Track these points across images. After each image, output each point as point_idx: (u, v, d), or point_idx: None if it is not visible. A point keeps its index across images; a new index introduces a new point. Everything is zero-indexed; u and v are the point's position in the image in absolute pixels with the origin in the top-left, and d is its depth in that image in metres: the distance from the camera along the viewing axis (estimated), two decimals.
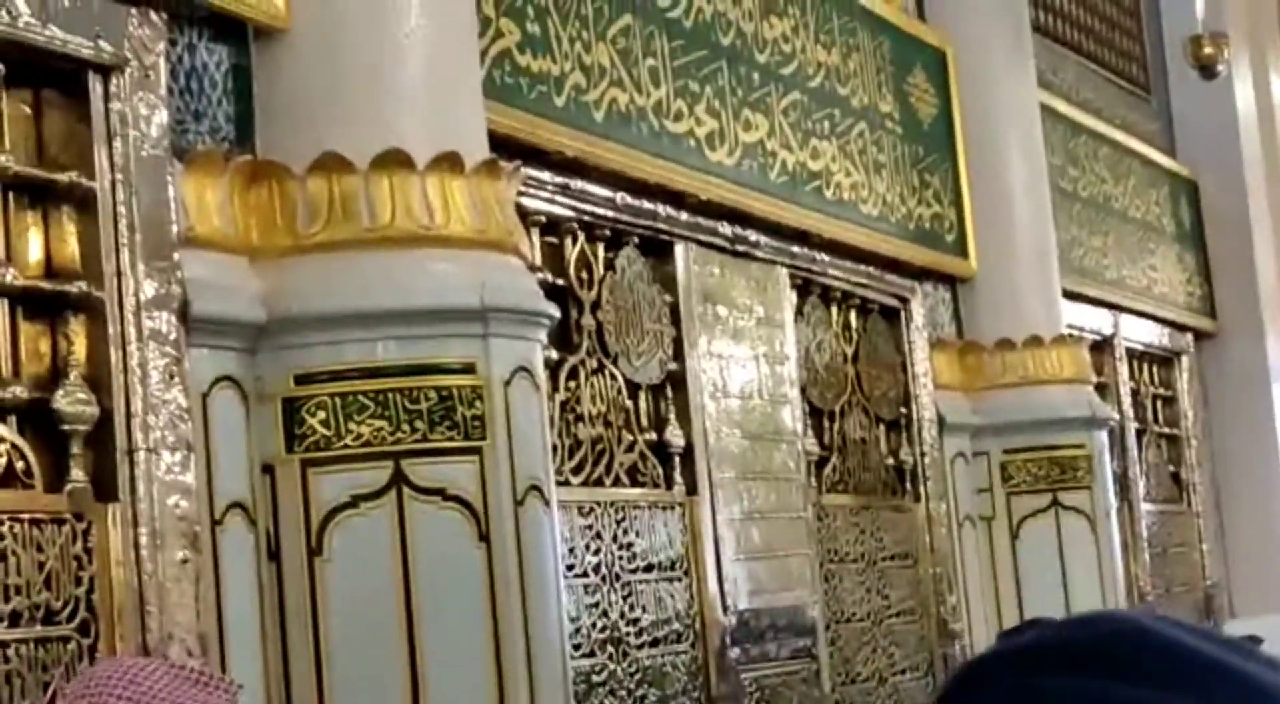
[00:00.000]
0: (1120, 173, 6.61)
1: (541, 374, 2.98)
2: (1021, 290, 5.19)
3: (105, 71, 2.56)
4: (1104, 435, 5.29)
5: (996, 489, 5.06)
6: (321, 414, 2.71)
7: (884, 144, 4.94)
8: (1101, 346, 6.08)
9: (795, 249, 4.46)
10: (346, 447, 2.71)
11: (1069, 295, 5.59)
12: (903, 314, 4.98)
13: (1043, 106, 5.58)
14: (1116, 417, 5.79)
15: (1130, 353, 6.44)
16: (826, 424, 4.59)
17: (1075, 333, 5.48)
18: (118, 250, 2.56)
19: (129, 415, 2.51)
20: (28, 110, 2.58)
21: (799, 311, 4.46)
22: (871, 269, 4.84)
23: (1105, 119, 6.60)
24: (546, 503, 2.84)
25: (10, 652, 2.28)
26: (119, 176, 2.56)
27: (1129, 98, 7.14)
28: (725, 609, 3.84)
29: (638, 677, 3.55)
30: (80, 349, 2.54)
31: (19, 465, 2.41)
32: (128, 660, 2.37)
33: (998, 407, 5.08)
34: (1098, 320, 6.11)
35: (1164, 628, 0.62)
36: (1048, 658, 0.62)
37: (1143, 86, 7.34)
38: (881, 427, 4.87)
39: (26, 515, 2.40)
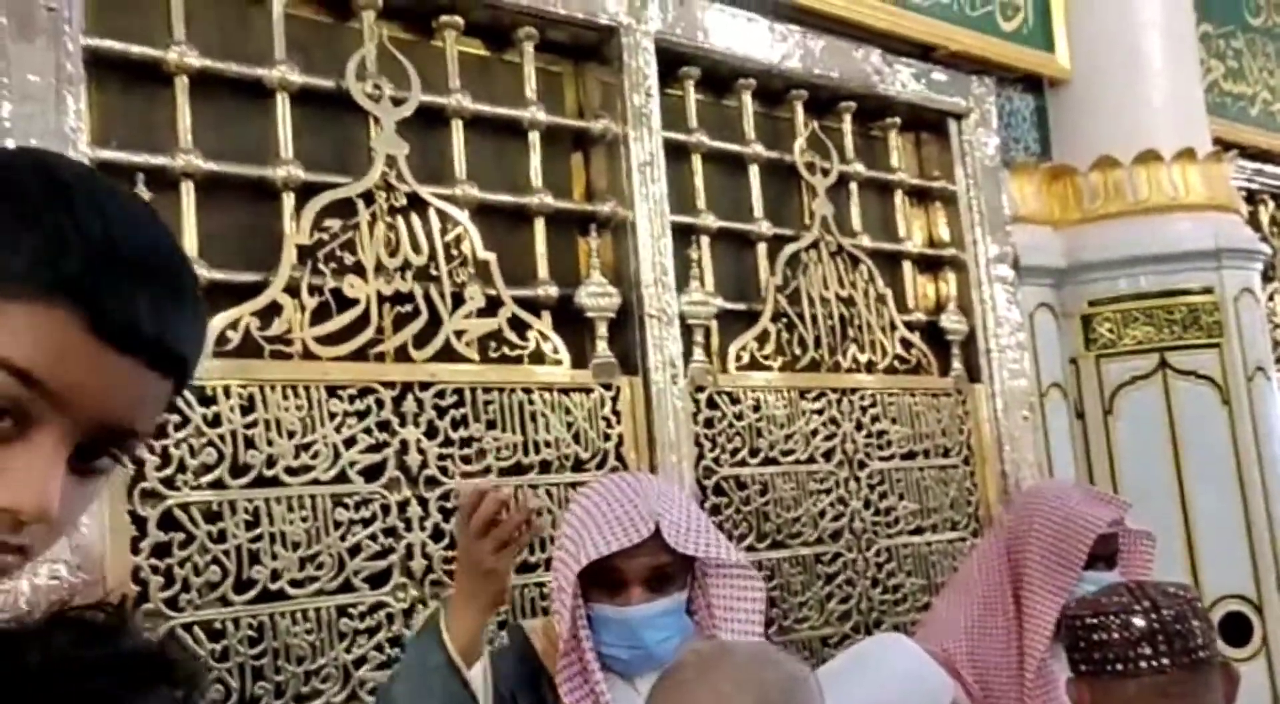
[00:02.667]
0: None
1: (1260, 293, 3.63)
2: None
3: (959, 117, 3.49)
4: None
5: None
6: (1108, 325, 3.50)
7: None
8: None
9: None
10: (1125, 345, 3.48)
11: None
12: None
13: None
14: None
15: None
16: None
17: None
18: (973, 227, 3.44)
19: (985, 328, 3.41)
20: (913, 147, 3.52)
21: None
22: None
23: None
24: (1269, 379, 3.53)
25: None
26: (970, 181, 3.46)
27: None
28: None
29: None
30: (951, 289, 3.46)
31: (924, 361, 3.27)
32: (1051, 482, 2.99)
33: None
34: None
35: None
36: None
37: None
38: None
39: (925, 390, 3.24)
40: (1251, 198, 4.42)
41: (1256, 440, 3.46)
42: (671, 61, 2.94)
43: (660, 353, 2.72)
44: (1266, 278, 4.25)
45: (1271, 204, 4.55)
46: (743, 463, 2.90)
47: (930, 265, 3.52)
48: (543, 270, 2.67)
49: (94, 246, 0.72)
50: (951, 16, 3.45)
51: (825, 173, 3.21)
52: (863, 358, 3.19)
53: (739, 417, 2.91)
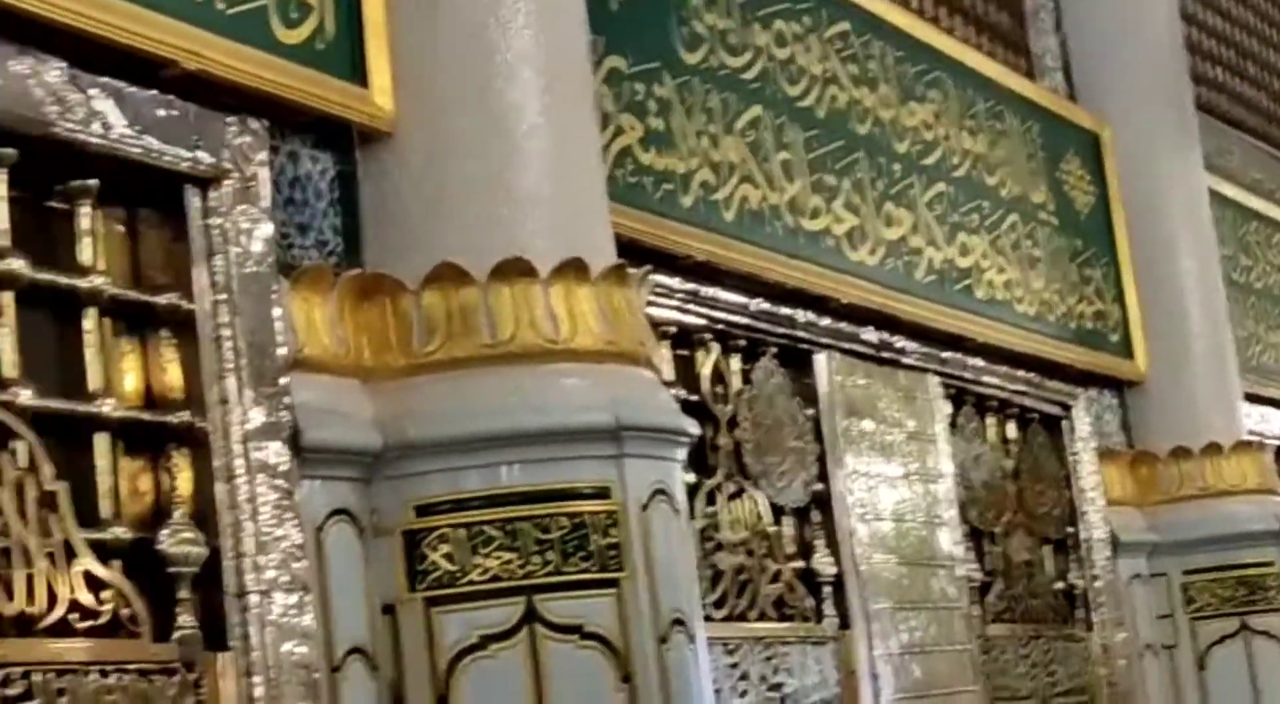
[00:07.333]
0: None
1: (682, 497, 2.82)
2: (1196, 393, 4.97)
3: (203, 184, 2.50)
4: None
5: (1179, 614, 4.80)
6: (445, 548, 2.63)
7: (1038, 237, 4.82)
8: None
9: (946, 355, 4.26)
10: (473, 583, 2.63)
11: (1249, 397, 5.33)
12: (1065, 423, 4.77)
13: (1210, 191, 5.35)
14: None
15: None
16: (987, 546, 4.37)
17: (1258, 438, 5.18)
18: (221, 376, 2.48)
19: (238, 555, 2.42)
20: (122, 229, 2.51)
21: (953, 424, 4.25)
22: (1030, 375, 4.64)
23: (1278, 201, 6.38)
24: (692, 639, 2.67)
25: None
26: (220, 297, 2.49)
27: None
28: None
29: None
30: (184, 484, 2.45)
31: (124, 612, 2.28)
32: None
33: (1175, 522, 4.83)
34: None
35: None
36: None
37: None
38: (1048, 547, 4.66)
39: (134, 666, 2.24)
40: (686, 338, 3.64)
41: None
42: None
43: None
44: (703, 468, 3.49)
45: (716, 347, 3.73)
46: None
47: (143, 441, 2.54)
48: None
49: None
50: None
51: None
52: None
53: None
